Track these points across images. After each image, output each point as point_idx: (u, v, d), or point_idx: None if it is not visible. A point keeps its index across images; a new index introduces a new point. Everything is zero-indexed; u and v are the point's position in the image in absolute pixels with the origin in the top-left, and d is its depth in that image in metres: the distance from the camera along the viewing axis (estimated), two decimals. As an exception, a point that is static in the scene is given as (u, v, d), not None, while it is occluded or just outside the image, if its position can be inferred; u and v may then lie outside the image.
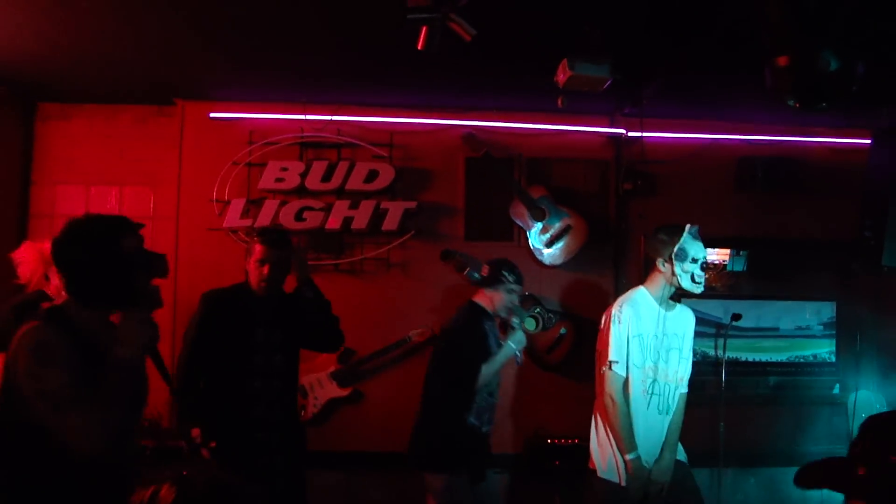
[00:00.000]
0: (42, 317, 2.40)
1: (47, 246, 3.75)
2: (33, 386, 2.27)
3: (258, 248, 3.75)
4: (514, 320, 4.23)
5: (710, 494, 5.01)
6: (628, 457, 3.66)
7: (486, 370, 4.05)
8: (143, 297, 2.50)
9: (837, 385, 5.29)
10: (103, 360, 2.35)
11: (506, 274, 4.18)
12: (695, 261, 3.74)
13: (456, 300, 5.18)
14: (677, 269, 3.72)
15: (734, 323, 4.91)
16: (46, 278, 3.84)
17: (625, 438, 3.68)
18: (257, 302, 3.80)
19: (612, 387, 3.74)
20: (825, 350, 5.29)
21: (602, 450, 3.82)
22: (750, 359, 5.25)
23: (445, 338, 4.31)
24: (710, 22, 3.59)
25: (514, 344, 4.13)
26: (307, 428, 5.04)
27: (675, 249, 3.72)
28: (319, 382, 5.11)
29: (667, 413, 3.85)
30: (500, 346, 4.16)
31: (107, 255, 2.41)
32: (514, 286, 4.19)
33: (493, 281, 4.21)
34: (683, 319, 3.96)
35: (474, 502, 4.12)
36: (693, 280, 3.75)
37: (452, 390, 4.08)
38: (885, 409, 4.91)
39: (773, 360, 5.28)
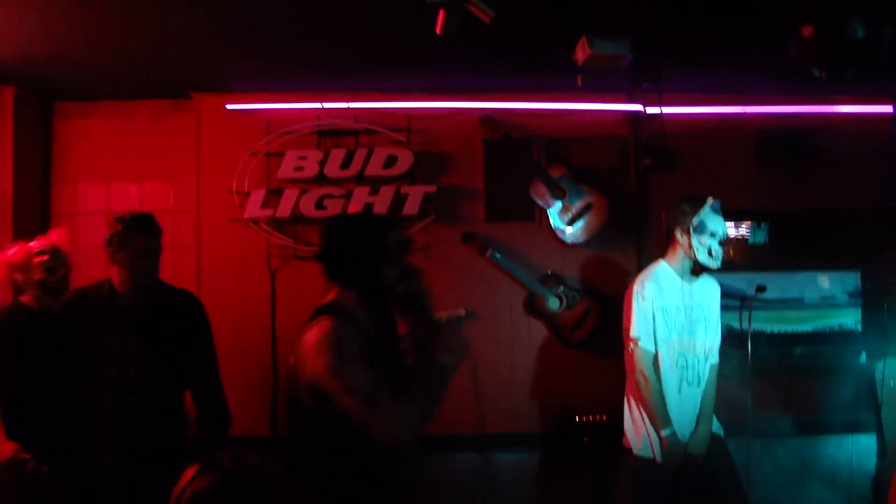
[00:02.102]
0: (333, 313, 2.48)
1: (15, 250, 3.77)
2: (339, 381, 2.35)
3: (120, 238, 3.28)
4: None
5: (739, 466, 5.03)
6: (663, 433, 3.68)
7: None
8: (415, 302, 2.65)
9: (864, 354, 5.27)
10: (379, 357, 2.46)
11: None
12: (713, 235, 3.74)
13: (479, 282, 5.23)
14: (694, 242, 3.72)
15: (759, 294, 4.89)
16: (17, 284, 3.75)
17: (658, 415, 3.70)
18: (118, 304, 3.34)
19: (642, 363, 3.75)
20: (851, 319, 5.27)
21: (636, 427, 3.83)
22: (775, 330, 5.24)
23: None
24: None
25: None
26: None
27: (695, 222, 3.72)
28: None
29: (698, 385, 3.86)
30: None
31: (377, 251, 2.56)
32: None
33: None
34: (708, 290, 3.96)
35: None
36: (710, 254, 3.74)
37: None
38: (912, 377, 4.91)
39: (799, 330, 5.26)
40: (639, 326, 3.75)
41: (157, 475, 3.07)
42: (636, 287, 3.82)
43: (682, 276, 3.84)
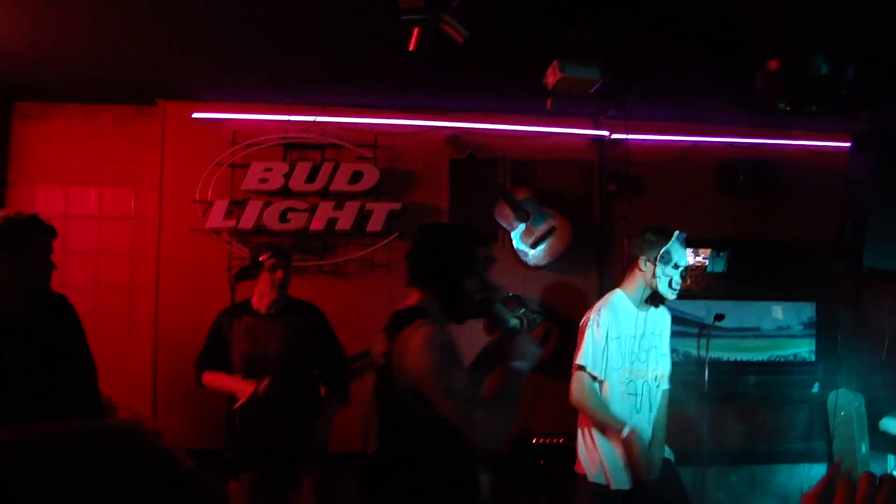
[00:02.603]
0: (431, 318, 2.53)
1: None
2: (441, 384, 2.42)
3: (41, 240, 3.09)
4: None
5: (694, 492, 5.07)
6: (625, 432, 3.65)
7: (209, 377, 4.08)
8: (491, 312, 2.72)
9: (817, 384, 5.37)
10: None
11: (262, 252, 4.09)
12: (677, 266, 3.75)
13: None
14: (659, 272, 3.72)
15: (717, 323, 4.95)
16: None
17: (610, 422, 3.67)
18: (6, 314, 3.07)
19: (577, 386, 3.72)
20: (805, 349, 5.37)
21: (589, 454, 3.82)
22: (732, 358, 5.31)
23: None
24: (697, 26, 3.62)
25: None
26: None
27: (662, 252, 3.72)
28: (304, 384, 5.07)
29: (650, 411, 3.87)
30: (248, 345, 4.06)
31: (465, 262, 2.64)
32: (269, 259, 4.02)
33: (253, 268, 4.09)
34: (660, 317, 3.97)
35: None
36: (670, 286, 3.76)
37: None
38: (863, 408, 4.99)
39: (755, 359, 5.34)
40: (586, 354, 3.72)
41: None
42: (593, 315, 3.81)
43: (637, 306, 3.85)
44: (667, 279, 3.74)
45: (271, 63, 4.47)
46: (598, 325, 3.75)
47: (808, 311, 5.38)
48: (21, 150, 5.24)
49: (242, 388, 3.82)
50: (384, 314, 5.07)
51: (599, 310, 3.81)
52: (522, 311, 5.07)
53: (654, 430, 3.87)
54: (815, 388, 5.36)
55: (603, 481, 3.76)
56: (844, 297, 5.25)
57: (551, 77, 3.92)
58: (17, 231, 3.01)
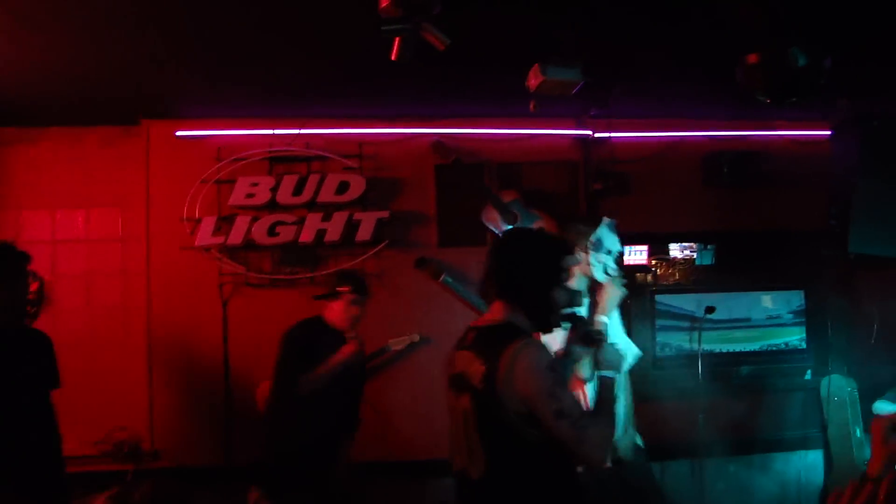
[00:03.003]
0: (527, 335, 2.48)
1: None
2: (552, 406, 2.35)
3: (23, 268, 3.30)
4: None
5: (691, 485, 5.10)
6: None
7: (306, 377, 4.00)
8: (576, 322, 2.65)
9: (809, 371, 5.41)
10: None
11: (345, 283, 4.15)
12: (609, 253, 3.76)
13: (433, 307, 5.24)
14: (592, 259, 3.72)
15: (708, 316, 4.99)
16: None
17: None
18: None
19: None
20: (796, 337, 5.41)
21: None
22: (724, 350, 5.34)
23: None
24: (677, 22, 3.66)
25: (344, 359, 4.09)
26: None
27: (593, 239, 3.73)
28: (300, 396, 5.07)
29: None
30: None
31: (554, 272, 2.56)
32: (352, 294, 4.11)
33: (332, 293, 4.16)
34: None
35: None
36: (605, 272, 3.75)
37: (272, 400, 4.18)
38: (856, 393, 5.03)
39: (747, 349, 5.38)
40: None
41: None
42: None
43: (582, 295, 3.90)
44: (601, 266, 3.74)
45: (254, 77, 4.48)
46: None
47: (797, 299, 5.42)
48: (6, 175, 5.21)
49: (347, 349, 4.04)
50: (375, 322, 5.15)
51: None
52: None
53: (624, 412, 3.91)
54: (808, 376, 5.41)
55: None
56: (833, 283, 5.29)
57: (533, 80, 3.95)
58: (7, 263, 3.21)
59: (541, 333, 2.68)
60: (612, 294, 3.59)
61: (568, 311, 2.61)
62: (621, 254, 3.88)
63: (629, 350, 3.90)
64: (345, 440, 4.22)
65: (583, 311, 2.61)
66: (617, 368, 2.61)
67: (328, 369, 3.99)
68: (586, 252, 3.76)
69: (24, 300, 3.35)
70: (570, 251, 2.67)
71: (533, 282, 2.55)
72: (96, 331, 5.15)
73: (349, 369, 4.07)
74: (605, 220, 3.79)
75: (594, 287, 3.90)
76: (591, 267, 3.75)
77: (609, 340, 2.63)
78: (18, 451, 3.18)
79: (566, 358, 2.73)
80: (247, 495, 4.05)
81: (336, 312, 4.12)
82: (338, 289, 4.10)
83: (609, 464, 2.60)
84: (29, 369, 3.31)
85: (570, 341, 2.66)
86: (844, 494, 1.42)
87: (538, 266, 2.56)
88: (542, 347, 2.48)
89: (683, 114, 5.40)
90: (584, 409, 2.45)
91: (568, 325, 2.64)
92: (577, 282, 3.83)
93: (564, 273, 2.58)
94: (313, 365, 4.00)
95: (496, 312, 2.60)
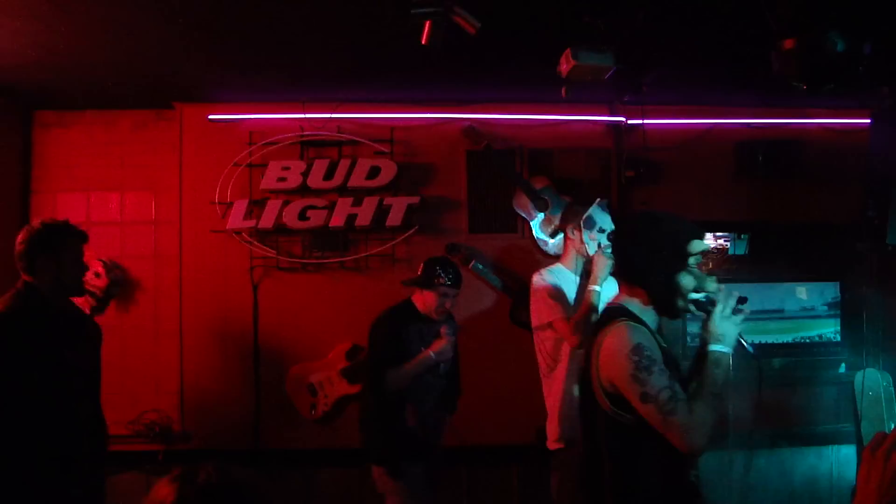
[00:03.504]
0: (627, 318, 2.48)
1: None
2: (638, 389, 2.36)
3: (74, 244, 3.36)
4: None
5: (723, 478, 5.05)
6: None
7: (395, 373, 4.04)
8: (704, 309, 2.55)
9: (844, 364, 5.32)
10: (667, 360, 2.45)
11: (441, 274, 4.14)
12: (602, 231, 3.89)
13: (463, 293, 5.21)
14: (584, 237, 3.89)
15: (740, 307, 4.91)
16: None
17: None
18: (56, 314, 3.35)
19: (571, 330, 3.73)
20: (830, 330, 5.32)
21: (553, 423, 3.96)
22: (756, 341, 5.24)
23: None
24: (711, 8, 3.59)
25: (434, 355, 4.11)
26: (318, 427, 5.11)
27: (585, 217, 3.89)
28: (329, 380, 5.11)
29: None
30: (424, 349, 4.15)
31: (679, 256, 2.49)
32: (448, 288, 4.14)
33: (425, 281, 4.16)
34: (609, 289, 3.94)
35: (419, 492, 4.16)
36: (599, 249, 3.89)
37: (370, 390, 4.19)
38: (891, 388, 4.94)
39: (779, 341, 5.30)
40: (554, 307, 3.85)
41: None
42: (536, 277, 3.98)
43: (576, 274, 4.00)
44: (594, 243, 3.90)
45: (286, 62, 4.48)
46: (544, 280, 3.93)
47: (832, 290, 5.32)
48: (42, 158, 5.30)
49: (438, 345, 4.11)
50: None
51: (541, 273, 4.00)
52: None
53: None
54: (842, 369, 5.31)
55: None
56: (869, 276, 5.18)
57: (564, 65, 3.89)
58: (54, 234, 3.28)
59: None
60: (602, 264, 3.71)
61: (695, 296, 2.52)
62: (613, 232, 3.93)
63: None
64: (446, 418, 4.34)
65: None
66: (729, 344, 2.49)
67: (416, 365, 4.07)
68: (580, 230, 3.85)
69: (73, 278, 3.36)
70: (699, 236, 2.54)
71: (653, 265, 2.49)
72: (129, 313, 5.21)
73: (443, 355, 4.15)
74: (598, 199, 3.96)
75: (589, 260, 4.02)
76: (585, 245, 3.90)
77: (720, 308, 2.50)
78: (62, 429, 3.25)
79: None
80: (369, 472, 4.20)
81: (428, 301, 4.16)
82: (435, 280, 4.10)
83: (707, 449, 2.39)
84: (74, 350, 3.37)
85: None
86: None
87: (659, 249, 2.48)
88: (635, 329, 2.43)
89: (717, 101, 5.30)
90: (675, 391, 2.35)
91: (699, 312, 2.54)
92: (572, 260, 4.01)
93: (691, 258, 2.50)
94: (402, 355, 4.07)
95: (618, 295, 2.64)
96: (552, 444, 3.98)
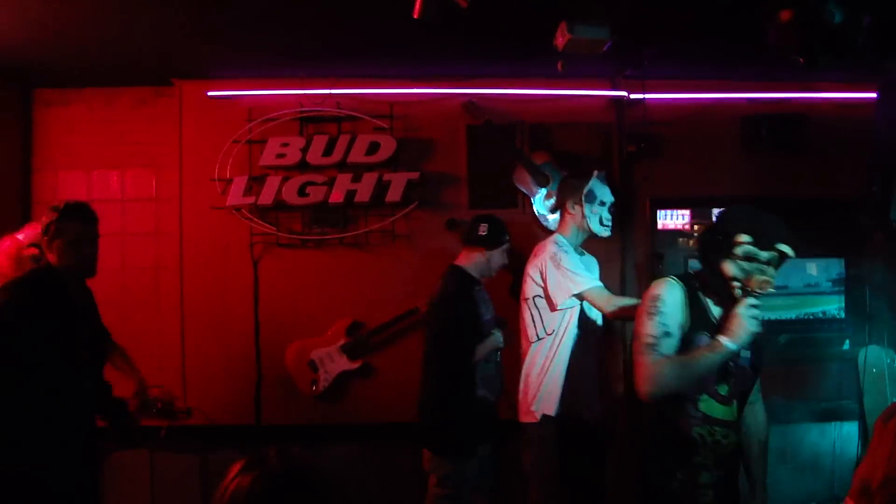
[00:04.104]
0: (676, 278, 2.82)
1: (4, 243, 3.87)
2: (636, 327, 2.75)
3: (73, 226, 3.37)
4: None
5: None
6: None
7: (482, 347, 4.12)
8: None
9: (848, 341, 5.27)
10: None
11: (505, 230, 4.25)
12: (602, 203, 3.90)
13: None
14: (586, 211, 3.88)
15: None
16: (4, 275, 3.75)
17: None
18: (67, 290, 3.44)
19: (601, 299, 3.85)
20: (834, 306, 5.26)
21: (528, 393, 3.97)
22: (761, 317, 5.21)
23: (437, 310, 4.24)
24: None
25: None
26: (319, 402, 5.13)
27: (585, 191, 3.88)
28: (330, 356, 5.11)
29: None
30: (490, 311, 4.24)
31: (722, 246, 2.70)
32: (510, 245, 4.26)
33: (492, 240, 4.20)
34: (593, 263, 4.19)
35: (477, 475, 4.18)
36: (601, 223, 3.91)
37: (453, 366, 4.10)
38: (895, 364, 4.89)
39: (783, 317, 5.25)
40: (579, 276, 3.85)
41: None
42: (553, 251, 3.91)
43: (575, 249, 3.99)
44: (596, 217, 3.90)
45: (284, 38, 4.45)
46: (562, 258, 3.86)
47: (836, 267, 5.26)
48: (43, 136, 5.30)
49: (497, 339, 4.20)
50: (405, 283, 5.15)
51: (556, 249, 3.91)
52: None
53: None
54: (846, 346, 5.27)
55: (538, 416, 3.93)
56: (873, 252, 5.11)
57: (560, 38, 3.85)
58: (52, 219, 3.34)
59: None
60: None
61: (735, 285, 2.66)
62: (614, 204, 3.97)
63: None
64: (497, 399, 4.30)
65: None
66: (738, 342, 2.61)
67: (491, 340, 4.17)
68: (581, 205, 3.81)
69: (71, 260, 3.39)
70: (758, 231, 2.66)
71: (706, 246, 2.75)
72: (130, 289, 5.22)
73: None
74: (597, 172, 3.92)
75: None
76: (587, 219, 3.88)
77: (746, 306, 2.65)
78: (69, 398, 3.32)
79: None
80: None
81: (494, 261, 4.23)
82: (504, 237, 4.20)
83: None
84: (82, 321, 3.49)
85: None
86: None
87: (714, 232, 2.75)
88: (669, 284, 2.76)
89: (721, 75, 5.21)
90: (658, 342, 2.66)
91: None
92: (573, 234, 3.96)
93: (737, 247, 2.63)
94: (480, 326, 4.13)
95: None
96: (525, 417, 3.97)
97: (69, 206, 3.40)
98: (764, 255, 2.63)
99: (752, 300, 2.64)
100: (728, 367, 2.76)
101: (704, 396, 2.79)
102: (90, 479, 3.49)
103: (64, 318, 3.33)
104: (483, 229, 4.22)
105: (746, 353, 2.81)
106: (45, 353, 3.20)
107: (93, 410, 3.52)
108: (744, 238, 2.62)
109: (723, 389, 2.79)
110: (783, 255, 2.66)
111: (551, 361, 3.89)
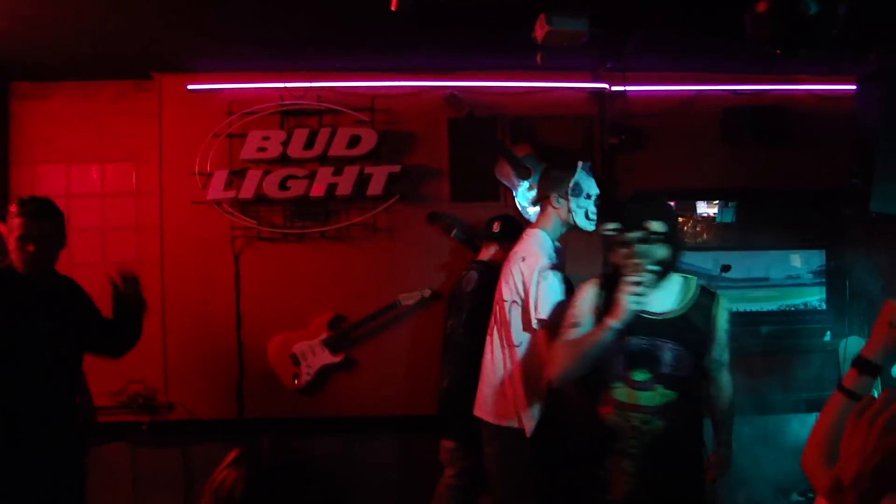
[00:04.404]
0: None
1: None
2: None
3: (17, 223, 3.27)
4: None
5: (707, 445, 5.05)
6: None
7: None
8: None
9: (829, 332, 5.30)
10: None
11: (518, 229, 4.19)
12: (589, 197, 3.67)
13: (445, 262, 5.21)
14: (573, 205, 3.62)
15: (724, 274, 4.90)
16: None
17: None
18: (32, 287, 3.39)
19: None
20: (815, 298, 5.29)
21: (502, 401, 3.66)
22: (741, 309, 5.24)
23: (470, 298, 4.38)
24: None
25: None
26: (301, 396, 5.12)
27: (571, 184, 3.62)
28: (312, 350, 5.10)
29: None
30: None
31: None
32: None
33: (505, 237, 4.36)
34: (564, 255, 3.87)
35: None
36: (587, 216, 3.67)
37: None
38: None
39: (765, 309, 5.28)
40: (550, 305, 3.47)
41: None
42: (543, 262, 3.55)
43: (553, 243, 3.71)
44: (582, 211, 3.66)
45: (265, 30, 4.42)
46: (554, 273, 3.54)
47: (817, 258, 5.29)
48: (21, 130, 5.24)
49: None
50: (387, 277, 5.13)
51: (539, 257, 3.59)
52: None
53: None
54: (827, 337, 5.29)
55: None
56: (854, 243, 5.13)
57: (539, 31, 3.85)
58: (16, 213, 3.29)
59: None
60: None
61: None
62: (599, 196, 3.76)
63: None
64: None
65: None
66: (622, 320, 2.79)
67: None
68: (566, 199, 3.64)
69: (17, 255, 3.34)
70: (614, 220, 2.89)
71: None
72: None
73: None
74: (581, 163, 3.70)
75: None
76: (573, 213, 3.64)
77: (627, 286, 2.80)
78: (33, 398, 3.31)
79: None
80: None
81: (500, 257, 4.19)
82: (516, 233, 4.02)
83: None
84: (48, 320, 3.40)
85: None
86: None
87: None
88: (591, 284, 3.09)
89: (703, 67, 5.20)
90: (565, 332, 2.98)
91: None
92: (555, 228, 3.72)
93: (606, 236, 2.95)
94: None
95: None
96: (492, 418, 3.69)
97: (19, 201, 3.34)
98: (631, 236, 2.79)
99: (629, 280, 2.77)
100: (650, 354, 2.89)
101: (617, 383, 2.91)
102: (64, 475, 3.45)
103: (22, 317, 3.29)
104: (496, 226, 4.60)
105: (671, 343, 2.92)
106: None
107: (66, 408, 3.50)
108: (609, 226, 2.84)
109: (639, 376, 2.89)
110: (653, 233, 2.81)
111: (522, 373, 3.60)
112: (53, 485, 3.36)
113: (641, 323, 2.89)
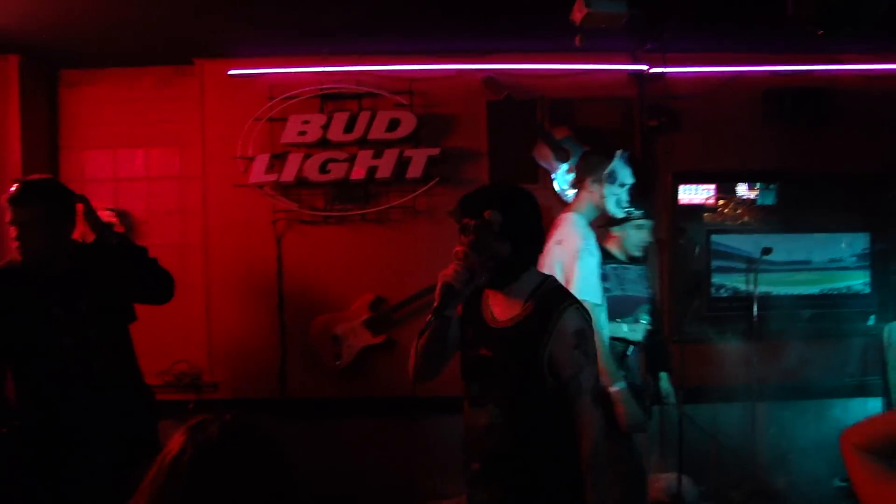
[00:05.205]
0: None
1: None
2: None
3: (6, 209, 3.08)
4: None
5: (745, 428, 5.04)
6: (615, 387, 3.48)
7: None
8: None
9: (873, 316, 5.22)
10: None
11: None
12: (623, 185, 3.69)
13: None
14: (606, 191, 3.66)
15: (765, 257, 4.86)
16: None
17: (609, 370, 3.47)
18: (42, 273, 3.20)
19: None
20: (859, 281, 5.21)
21: None
22: (783, 293, 5.19)
23: None
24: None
25: None
26: (343, 376, 5.18)
27: (607, 172, 3.67)
28: (353, 331, 5.17)
29: None
30: None
31: None
32: None
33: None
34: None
35: None
36: (618, 204, 3.70)
37: None
38: (919, 339, 4.86)
39: (807, 293, 5.21)
40: (587, 285, 3.48)
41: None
42: (580, 244, 3.56)
43: (588, 222, 3.72)
44: (614, 198, 3.69)
45: (304, 14, 4.46)
46: (590, 254, 3.57)
47: (861, 241, 5.20)
48: (69, 116, 5.38)
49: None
50: (427, 259, 5.17)
51: (583, 235, 3.61)
52: None
53: None
54: (871, 321, 5.22)
55: None
56: (899, 226, 5.06)
57: (578, 13, 3.84)
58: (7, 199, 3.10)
59: None
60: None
61: None
62: (633, 186, 3.76)
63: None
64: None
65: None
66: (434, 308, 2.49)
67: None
68: (601, 184, 3.67)
69: (19, 244, 3.16)
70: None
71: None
72: (157, 266, 5.30)
73: None
74: (620, 152, 3.71)
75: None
76: (605, 199, 3.67)
77: None
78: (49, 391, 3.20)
79: None
80: None
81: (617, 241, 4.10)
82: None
83: None
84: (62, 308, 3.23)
85: None
86: None
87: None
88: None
89: (743, 47, 5.13)
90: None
91: None
92: (588, 211, 3.73)
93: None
94: None
95: None
96: None
97: (19, 186, 3.13)
98: (464, 224, 2.58)
99: (451, 270, 2.56)
100: (482, 366, 2.58)
101: (467, 393, 2.65)
102: (97, 464, 3.21)
103: (28, 307, 3.15)
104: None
105: (504, 355, 2.55)
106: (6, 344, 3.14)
107: (114, 388, 3.30)
108: (450, 210, 2.72)
109: (474, 389, 2.61)
110: (486, 222, 2.50)
111: None
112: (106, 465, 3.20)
113: (482, 330, 2.60)
